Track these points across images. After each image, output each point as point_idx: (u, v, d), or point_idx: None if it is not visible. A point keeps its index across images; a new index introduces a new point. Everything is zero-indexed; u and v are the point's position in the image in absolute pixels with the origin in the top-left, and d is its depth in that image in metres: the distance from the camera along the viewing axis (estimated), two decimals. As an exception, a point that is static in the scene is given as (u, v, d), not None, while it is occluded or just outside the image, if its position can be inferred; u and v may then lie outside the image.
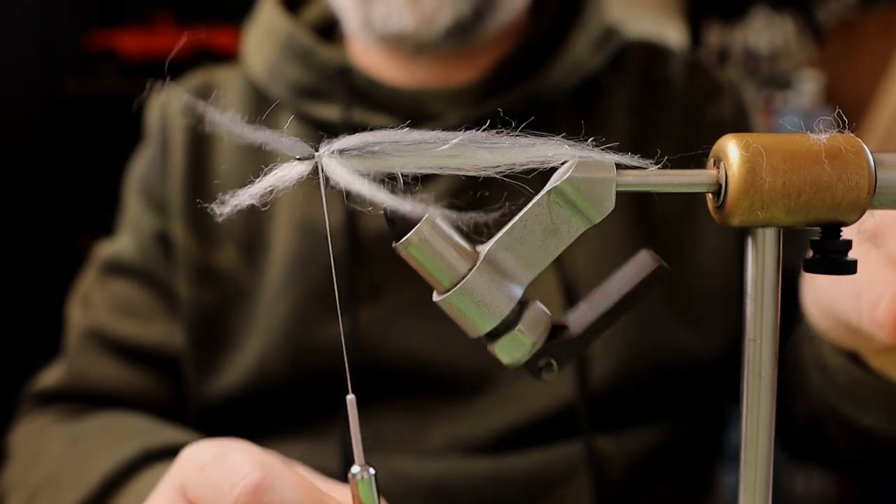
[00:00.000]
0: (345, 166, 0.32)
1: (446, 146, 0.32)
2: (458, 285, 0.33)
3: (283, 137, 0.34)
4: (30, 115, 2.35)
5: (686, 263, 0.73)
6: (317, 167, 0.33)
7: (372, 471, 0.37)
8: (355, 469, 0.37)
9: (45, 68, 2.36)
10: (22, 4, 2.31)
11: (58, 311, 0.87)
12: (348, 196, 0.32)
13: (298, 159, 0.33)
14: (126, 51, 2.36)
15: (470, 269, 0.33)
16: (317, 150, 0.33)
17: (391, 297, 0.71)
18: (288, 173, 0.33)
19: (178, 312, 0.76)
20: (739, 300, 0.73)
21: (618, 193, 0.33)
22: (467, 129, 0.33)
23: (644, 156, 0.33)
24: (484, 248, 0.34)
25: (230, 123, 0.34)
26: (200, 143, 0.78)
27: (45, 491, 0.66)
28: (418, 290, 0.71)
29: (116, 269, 0.79)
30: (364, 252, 0.71)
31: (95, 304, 0.79)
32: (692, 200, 0.72)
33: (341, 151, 0.33)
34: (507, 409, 0.70)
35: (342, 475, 0.70)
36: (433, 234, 0.33)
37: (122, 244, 0.80)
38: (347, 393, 0.36)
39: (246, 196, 0.34)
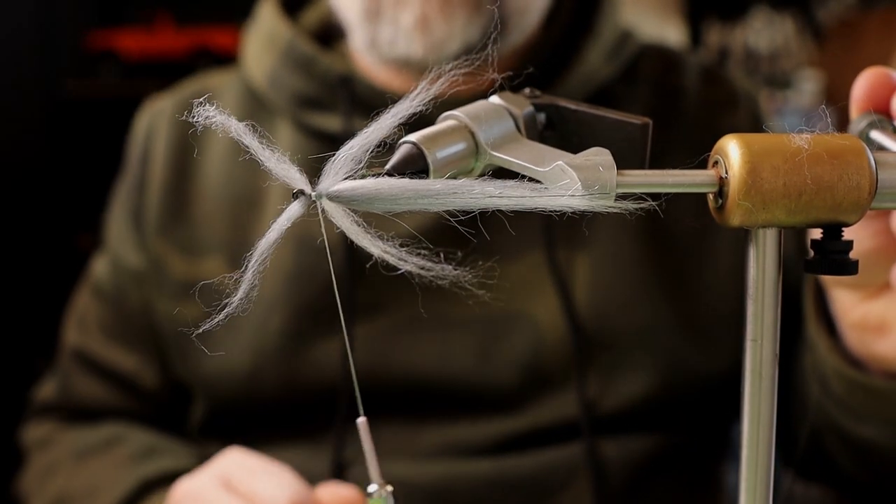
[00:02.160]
0: (339, 210, 0.33)
1: (440, 200, 0.33)
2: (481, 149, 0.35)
3: (285, 164, 0.34)
4: (30, 115, 2.35)
5: (697, 284, 0.72)
6: (316, 205, 0.33)
7: (389, 488, 0.37)
8: (372, 487, 0.37)
9: (45, 68, 2.36)
10: (22, 4, 2.30)
11: (58, 311, 0.87)
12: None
13: (293, 195, 0.33)
14: (126, 51, 2.36)
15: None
16: (313, 187, 0.33)
17: (390, 314, 0.70)
18: (285, 216, 0.34)
19: (148, 345, 0.79)
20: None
21: (626, 212, 0.33)
22: None
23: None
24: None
25: (237, 132, 0.34)
26: (185, 154, 0.77)
27: None
28: (417, 306, 0.70)
29: (99, 293, 0.81)
30: (363, 268, 0.71)
31: (88, 323, 0.81)
32: (703, 220, 0.72)
33: (336, 197, 0.33)
34: (507, 426, 0.70)
35: (332, 464, 0.70)
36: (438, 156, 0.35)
37: (101, 269, 0.82)
38: (351, 411, 0.37)
39: (260, 254, 0.36)
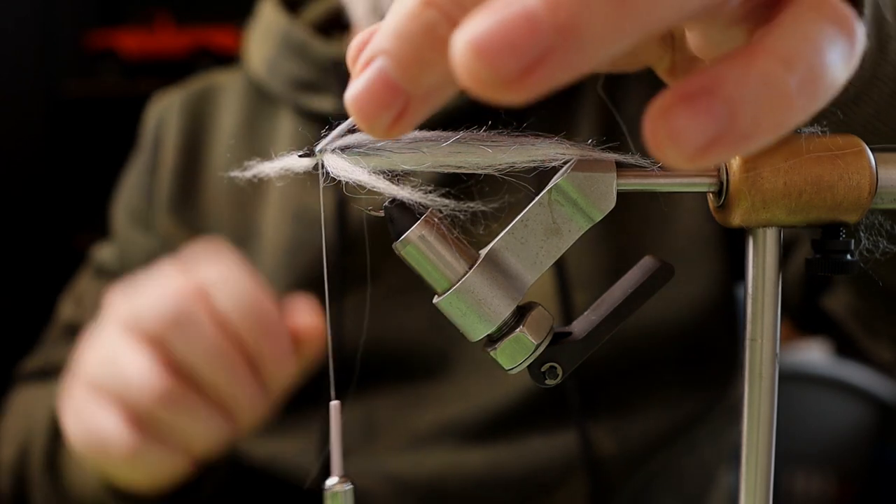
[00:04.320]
0: (346, 162, 0.33)
1: (447, 143, 0.32)
2: (458, 285, 0.33)
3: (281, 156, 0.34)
4: (30, 115, 2.35)
5: (660, 217, 0.72)
6: (317, 163, 0.34)
7: (349, 486, 0.35)
8: (331, 481, 0.35)
9: (45, 68, 2.36)
10: (22, 4, 2.31)
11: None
12: (345, 186, 0.33)
13: (300, 156, 0.34)
14: (126, 51, 2.36)
15: (470, 269, 0.33)
16: (317, 147, 0.33)
17: (382, 281, 0.72)
18: (292, 165, 0.34)
19: None
20: (722, 239, 0.72)
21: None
22: (462, 114, 0.33)
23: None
24: (484, 249, 0.34)
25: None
26: (195, 141, 0.81)
27: (27, 440, 0.74)
28: (410, 274, 0.71)
29: (101, 272, 0.84)
30: (354, 238, 0.72)
31: (85, 301, 0.83)
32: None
33: (343, 149, 0.33)
34: (499, 389, 0.70)
35: (322, 457, 0.71)
36: (432, 233, 0.33)
37: (106, 252, 0.85)
38: (331, 388, 0.36)
39: (251, 172, 0.36)
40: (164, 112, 0.84)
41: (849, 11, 0.25)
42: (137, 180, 0.84)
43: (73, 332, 0.81)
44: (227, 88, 0.83)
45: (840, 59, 0.24)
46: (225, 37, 2.27)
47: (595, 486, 0.69)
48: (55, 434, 0.70)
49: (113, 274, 0.82)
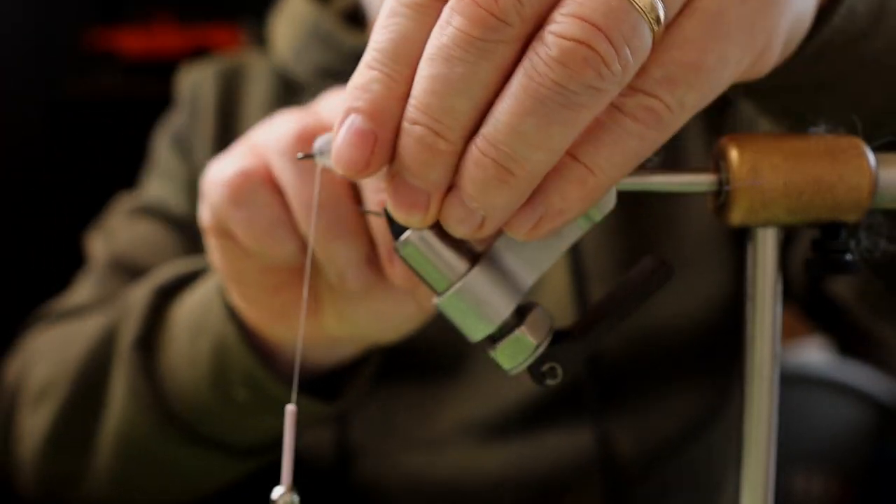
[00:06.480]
0: None
1: None
2: (458, 285, 0.33)
3: None
4: (29, 115, 2.35)
5: (675, 211, 0.72)
6: (316, 163, 0.34)
7: (296, 498, 0.34)
8: (277, 492, 0.34)
9: (45, 68, 2.36)
10: (21, 4, 2.31)
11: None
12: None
13: (300, 158, 0.34)
14: (126, 51, 2.36)
15: (470, 269, 0.33)
16: (316, 147, 0.34)
17: None
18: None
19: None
20: (733, 239, 0.72)
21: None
22: None
23: None
24: (484, 249, 0.34)
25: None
26: (229, 111, 0.81)
27: (109, 333, 0.64)
28: None
29: (147, 211, 0.80)
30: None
31: (119, 237, 0.79)
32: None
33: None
34: (516, 389, 0.70)
35: (336, 453, 0.70)
36: (433, 233, 0.33)
37: (152, 191, 0.81)
38: (293, 392, 0.36)
39: None
40: (199, 79, 0.84)
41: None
42: (180, 119, 0.83)
43: (115, 266, 0.77)
44: (254, 70, 0.83)
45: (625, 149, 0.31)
46: (225, 37, 2.27)
47: (611, 484, 0.69)
48: (153, 318, 0.60)
49: (161, 212, 0.79)
